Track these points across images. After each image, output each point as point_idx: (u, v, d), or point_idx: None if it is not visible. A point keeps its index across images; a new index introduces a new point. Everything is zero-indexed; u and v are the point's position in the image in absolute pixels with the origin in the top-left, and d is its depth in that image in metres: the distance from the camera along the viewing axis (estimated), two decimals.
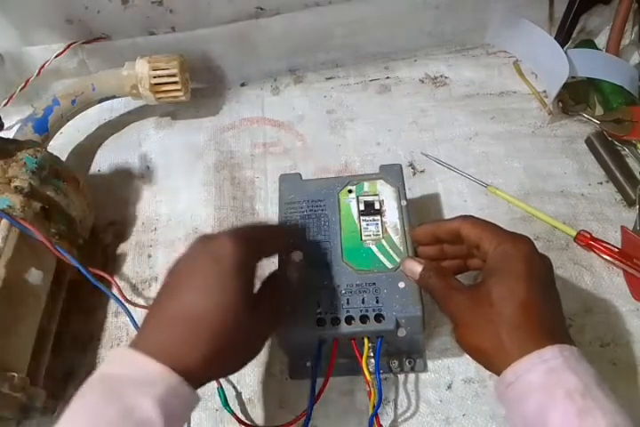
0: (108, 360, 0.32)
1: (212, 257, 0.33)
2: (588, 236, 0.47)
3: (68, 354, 0.47)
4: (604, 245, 0.47)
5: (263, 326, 0.35)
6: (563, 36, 0.58)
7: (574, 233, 0.48)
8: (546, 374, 0.30)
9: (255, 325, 0.34)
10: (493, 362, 0.33)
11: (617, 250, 0.47)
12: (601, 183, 0.52)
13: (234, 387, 0.44)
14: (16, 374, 0.38)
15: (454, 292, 0.36)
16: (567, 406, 0.29)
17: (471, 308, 0.34)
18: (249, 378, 0.44)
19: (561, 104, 0.57)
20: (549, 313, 0.33)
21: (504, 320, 0.33)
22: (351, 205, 0.43)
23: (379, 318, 0.38)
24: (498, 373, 0.33)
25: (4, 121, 0.46)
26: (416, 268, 0.38)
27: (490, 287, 0.34)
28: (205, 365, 0.31)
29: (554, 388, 0.30)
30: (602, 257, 0.47)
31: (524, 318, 0.32)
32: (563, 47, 0.56)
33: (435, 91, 0.61)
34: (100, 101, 0.58)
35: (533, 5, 0.60)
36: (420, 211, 0.51)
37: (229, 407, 0.40)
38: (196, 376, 0.31)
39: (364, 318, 0.38)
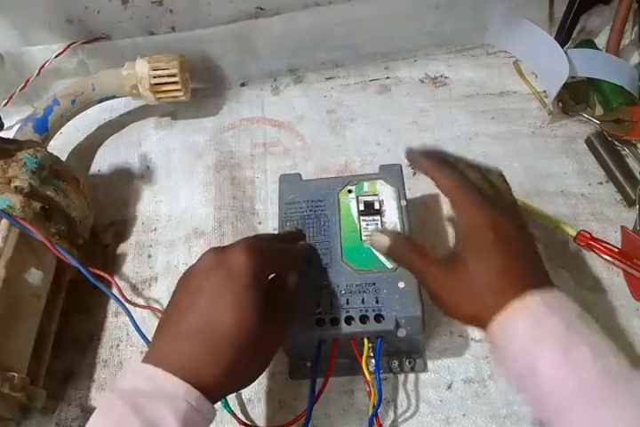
0: (127, 376, 0.32)
1: (225, 271, 0.33)
2: (588, 236, 0.47)
3: (68, 354, 0.47)
4: (604, 245, 0.47)
5: (275, 336, 0.35)
6: (563, 36, 0.58)
7: (574, 233, 0.48)
8: (530, 322, 0.31)
9: (267, 336, 0.34)
10: (484, 323, 0.33)
11: (617, 250, 0.47)
12: (601, 183, 0.52)
13: None
14: (16, 374, 0.38)
15: (428, 264, 0.36)
16: (553, 349, 0.30)
17: (450, 278, 0.35)
18: None
19: (561, 104, 0.57)
20: (525, 263, 0.34)
21: (485, 285, 0.33)
22: (351, 205, 0.43)
23: (378, 318, 0.38)
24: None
25: (3, 121, 0.46)
26: (384, 241, 0.38)
27: (464, 256, 0.34)
28: (224, 380, 0.31)
29: (539, 335, 0.31)
30: (602, 257, 0.47)
31: (502, 278, 0.33)
32: (563, 47, 0.56)
33: (435, 91, 0.61)
34: (100, 101, 0.58)
35: (533, 5, 0.60)
36: (419, 211, 0.51)
37: (229, 407, 0.40)
38: (214, 391, 0.31)
39: (363, 319, 0.38)
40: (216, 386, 0.31)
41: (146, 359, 0.32)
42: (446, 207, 0.52)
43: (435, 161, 0.38)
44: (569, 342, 0.30)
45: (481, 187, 0.37)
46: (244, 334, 0.32)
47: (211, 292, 0.32)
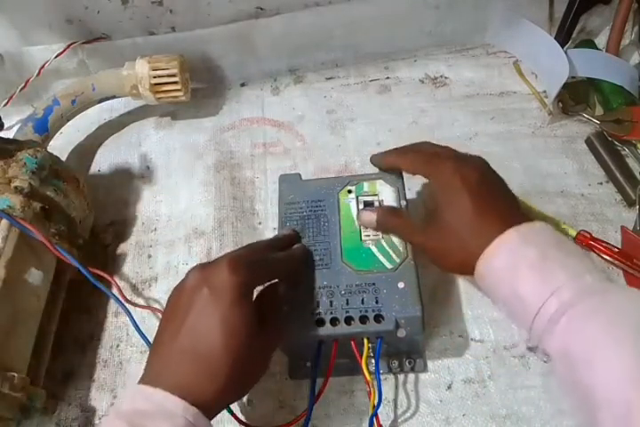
0: (125, 397, 0.32)
1: (209, 289, 0.33)
2: (588, 236, 0.47)
3: (67, 354, 0.47)
4: (604, 245, 0.47)
5: (268, 347, 0.35)
6: (563, 36, 0.58)
7: (574, 233, 0.48)
8: (508, 255, 0.33)
9: (261, 347, 0.34)
10: (472, 268, 0.35)
11: (617, 250, 0.47)
12: (601, 183, 0.52)
13: None
14: (16, 374, 0.38)
15: (415, 230, 0.39)
16: (531, 277, 0.32)
17: (435, 235, 0.37)
18: None
19: (561, 104, 0.57)
20: (497, 205, 0.37)
21: (465, 232, 0.36)
22: (351, 205, 0.43)
23: (378, 318, 0.38)
24: None
25: (3, 121, 0.46)
26: (371, 217, 0.41)
27: (441, 211, 0.37)
28: (220, 395, 0.32)
29: (517, 266, 0.33)
30: (602, 257, 0.47)
31: (478, 222, 0.35)
32: (563, 47, 0.56)
33: (435, 91, 0.61)
34: (100, 101, 0.58)
35: (533, 5, 0.60)
36: (419, 211, 0.51)
37: (229, 408, 0.40)
38: (211, 407, 0.32)
39: (363, 319, 0.38)
40: (213, 402, 0.32)
41: (142, 380, 0.32)
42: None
43: (390, 152, 0.42)
44: (545, 268, 0.32)
45: (438, 151, 0.40)
46: (235, 351, 0.32)
47: (198, 311, 0.33)
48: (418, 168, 0.40)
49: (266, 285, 0.38)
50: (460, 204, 0.36)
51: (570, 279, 0.31)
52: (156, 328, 0.35)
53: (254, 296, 0.36)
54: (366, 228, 0.42)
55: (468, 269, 0.35)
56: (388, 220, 0.40)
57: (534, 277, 0.32)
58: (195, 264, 0.36)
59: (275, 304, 0.37)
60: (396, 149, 0.43)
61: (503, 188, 0.38)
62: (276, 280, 0.40)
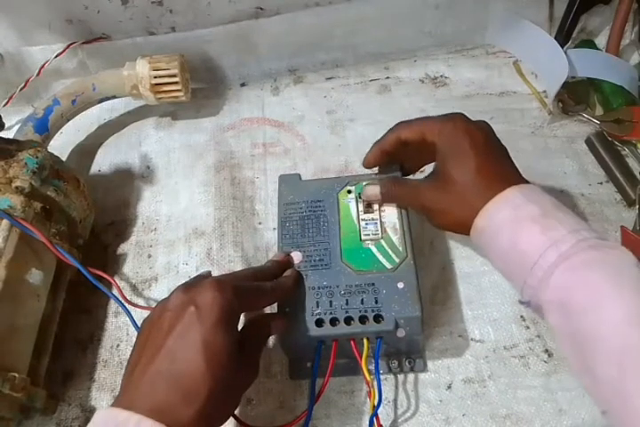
0: (99, 422, 0.31)
1: (193, 309, 0.32)
2: None
3: (67, 354, 0.47)
4: None
5: (244, 381, 0.35)
6: (563, 36, 0.58)
7: None
8: (510, 210, 0.35)
9: (238, 378, 0.33)
10: (470, 224, 0.37)
11: None
12: (601, 183, 0.52)
13: None
14: (17, 375, 0.38)
15: (418, 189, 0.40)
16: (532, 229, 0.34)
17: (438, 192, 0.39)
18: None
19: (561, 104, 0.57)
20: (501, 165, 0.38)
21: (468, 188, 0.37)
22: (350, 205, 0.43)
23: (378, 318, 0.38)
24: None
25: (4, 121, 0.46)
26: (375, 190, 0.42)
27: (447, 168, 0.38)
28: (198, 420, 0.30)
29: (519, 219, 0.35)
30: None
31: (483, 179, 0.37)
32: (563, 47, 0.56)
33: (435, 91, 0.61)
34: (101, 101, 0.58)
35: (533, 5, 0.60)
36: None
37: None
38: None
39: (363, 319, 0.38)
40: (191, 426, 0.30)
41: (116, 403, 0.31)
42: None
43: (384, 137, 0.43)
44: (546, 223, 0.34)
45: (440, 116, 0.41)
46: (215, 374, 0.31)
47: (181, 330, 0.32)
48: (426, 130, 0.40)
49: (254, 317, 0.38)
50: (466, 162, 0.37)
51: (569, 233, 0.33)
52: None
53: (240, 326, 0.35)
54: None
55: (466, 227, 0.37)
56: (392, 189, 0.41)
57: (535, 230, 0.34)
58: (178, 285, 0.35)
59: (259, 339, 0.37)
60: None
61: (505, 152, 0.40)
62: (265, 313, 0.40)
